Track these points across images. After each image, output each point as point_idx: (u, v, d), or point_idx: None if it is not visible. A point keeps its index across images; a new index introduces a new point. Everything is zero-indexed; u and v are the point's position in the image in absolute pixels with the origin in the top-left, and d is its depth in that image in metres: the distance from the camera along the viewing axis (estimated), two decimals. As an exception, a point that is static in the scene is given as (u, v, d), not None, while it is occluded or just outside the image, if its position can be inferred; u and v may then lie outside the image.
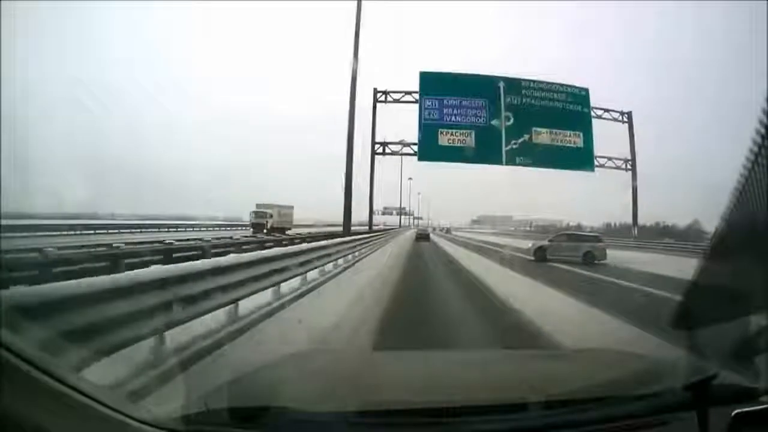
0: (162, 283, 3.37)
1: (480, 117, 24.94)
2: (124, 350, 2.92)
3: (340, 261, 11.71)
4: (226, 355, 3.87)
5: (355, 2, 18.12)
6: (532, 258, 17.03)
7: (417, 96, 25.53)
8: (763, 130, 1.07)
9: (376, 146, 26.37)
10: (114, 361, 2.79)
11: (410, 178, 69.60)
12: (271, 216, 34.87)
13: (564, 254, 16.49)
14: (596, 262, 16.01)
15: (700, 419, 1.17)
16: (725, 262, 1.38)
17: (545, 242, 17.99)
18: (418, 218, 78.12)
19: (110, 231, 25.54)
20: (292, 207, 39.10)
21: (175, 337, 3.60)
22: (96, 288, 2.72)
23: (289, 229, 35.82)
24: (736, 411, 1.19)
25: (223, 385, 1.53)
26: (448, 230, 67.93)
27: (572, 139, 25.29)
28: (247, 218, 37.11)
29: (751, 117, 1.10)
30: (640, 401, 1.31)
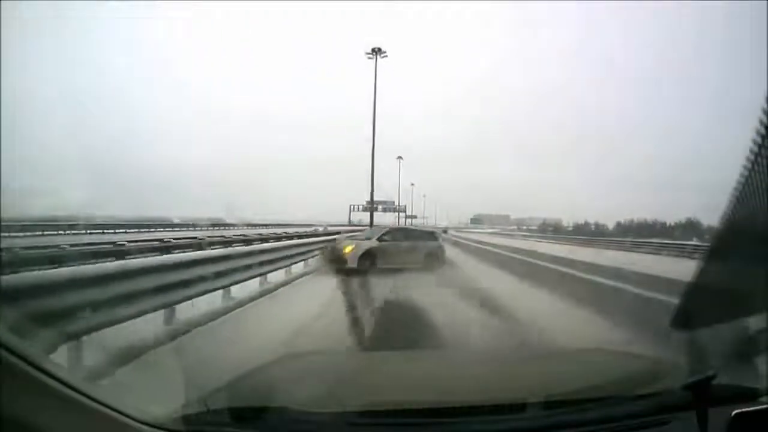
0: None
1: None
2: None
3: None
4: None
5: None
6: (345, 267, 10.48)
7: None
8: (763, 130, 1.07)
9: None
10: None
11: (400, 157, 59.04)
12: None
13: (400, 260, 11.23)
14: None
15: (700, 419, 1.17)
16: (725, 263, 1.38)
17: (374, 242, 11.72)
18: (412, 216, 73.84)
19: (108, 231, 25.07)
20: None
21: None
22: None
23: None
24: (736, 411, 1.19)
25: (223, 385, 1.53)
26: (445, 230, 67.12)
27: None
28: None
29: (751, 117, 1.10)
30: (640, 401, 1.31)
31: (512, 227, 74.59)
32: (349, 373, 1.88)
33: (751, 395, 1.30)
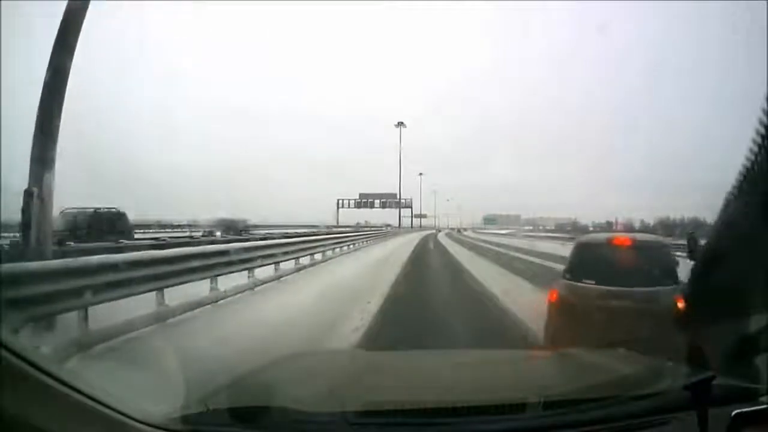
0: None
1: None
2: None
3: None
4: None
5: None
6: None
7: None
8: (763, 130, 1.07)
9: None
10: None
11: (401, 123, 48.93)
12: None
13: None
14: None
15: (700, 419, 1.17)
16: (725, 263, 1.38)
17: None
18: (421, 216, 64.30)
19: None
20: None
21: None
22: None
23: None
24: (736, 411, 1.19)
25: (223, 385, 1.53)
26: (459, 231, 66.12)
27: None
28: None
29: (751, 117, 1.10)
30: (640, 401, 1.31)
31: (528, 227, 72.40)
32: (349, 373, 1.88)
33: (751, 395, 1.30)
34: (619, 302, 3.70)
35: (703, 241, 4.30)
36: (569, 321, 3.96)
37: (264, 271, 8.24)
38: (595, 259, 4.25)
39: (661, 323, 3.31)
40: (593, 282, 3.95)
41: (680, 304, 3.32)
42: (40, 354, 0.97)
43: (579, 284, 4.06)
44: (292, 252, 10.30)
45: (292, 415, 1.22)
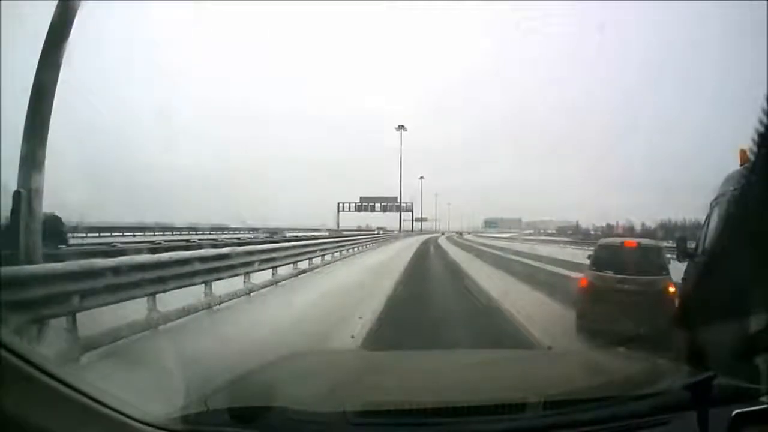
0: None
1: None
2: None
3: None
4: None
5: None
6: None
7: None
8: (763, 130, 1.07)
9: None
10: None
11: (402, 126, 49.29)
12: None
13: None
14: None
15: (700, 419, 1.17)
16: (725, 262, 1.38)
17: None
18: (422, 219, 64.51)
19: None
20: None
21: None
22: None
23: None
24: (736, 411, 1.19)
25: (223, 385, 1.54)
26: (460, 234, 66.47)
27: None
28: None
29: (751, 117, 1.10)
30: (640, 401, 1.31)
31: (528, 231, 72.07)
32: (349, 373, 1.88)
33: (751, 395, 1.30)
34: (628, 286, 5.45)
35: (691, 244, 4.94)
36: (594, 298, 5.67)
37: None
38: (611, 255, 6.06)
39: (657, 302, 4.79)
40: (611, 271, 5.73)
41: (671, 289, 5.12)
42: (40, 354, 0.97)
43: (600, 273, 5.87)
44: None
45: (292, 415, 1.22)
